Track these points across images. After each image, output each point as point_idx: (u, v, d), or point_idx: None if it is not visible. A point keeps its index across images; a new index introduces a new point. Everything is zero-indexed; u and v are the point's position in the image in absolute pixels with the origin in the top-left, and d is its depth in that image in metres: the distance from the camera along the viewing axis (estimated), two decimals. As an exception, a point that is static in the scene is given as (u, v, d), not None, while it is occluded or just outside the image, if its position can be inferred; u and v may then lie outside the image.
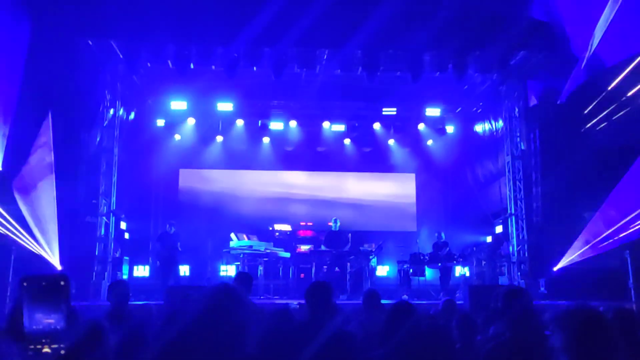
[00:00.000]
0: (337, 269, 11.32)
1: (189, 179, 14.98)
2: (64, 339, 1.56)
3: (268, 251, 11.54)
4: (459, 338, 3.85)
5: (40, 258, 8.68)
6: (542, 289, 10.86)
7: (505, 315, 2.99)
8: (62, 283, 1.63)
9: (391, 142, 15.03)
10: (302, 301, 7.62)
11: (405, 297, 10.48)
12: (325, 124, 14.55)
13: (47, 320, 1.56)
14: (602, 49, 8.78)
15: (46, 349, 1.54)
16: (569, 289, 9.72)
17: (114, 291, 5.10)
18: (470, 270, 12.18)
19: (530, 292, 4.45)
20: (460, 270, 12.05)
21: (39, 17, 9.03)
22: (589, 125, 10.49)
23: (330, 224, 11.97)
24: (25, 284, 1.58)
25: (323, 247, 11.67)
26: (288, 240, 13.52)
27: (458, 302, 8.37)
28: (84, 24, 9.76)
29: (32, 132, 9.37)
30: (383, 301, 5.21)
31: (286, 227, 14.60)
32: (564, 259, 10.64)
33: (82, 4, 9.53)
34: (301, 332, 3.21)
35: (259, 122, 14.38)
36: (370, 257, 11.73)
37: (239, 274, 5.48)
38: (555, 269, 10.83)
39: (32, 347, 1.53)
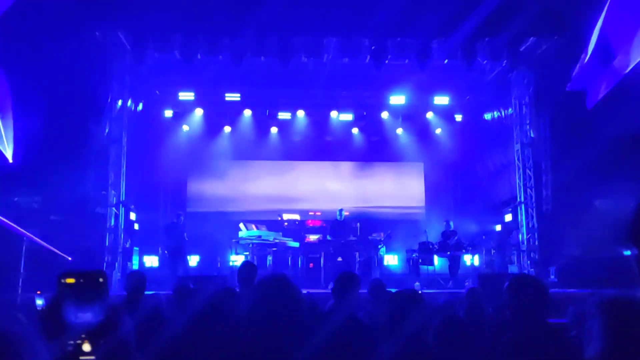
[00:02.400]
0: (339, 258, 11.33)
1: (197, 169, 15.00)
2: (103, 336, 1.56)
3: (277, 241, 11.58)
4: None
5: (50, 249, 8.75)
6: (553, 277, 10.81)
7: (511, 302, 2.96)
8: (100, 280, 1.63)
9: (399, 131, 14.94)
10: (311, 290, 7.63)
11: (417, 284, 10.49)
12: (333, 114, 14.50)
13: (85, 316, 1.56)
14: (610, 30, 8.65)
15: (85, 344, 1.54)
16: (579, 277, 9.67)
17: (130, 281, 5.14)
18: (479, 259, 12.15)
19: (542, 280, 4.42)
20: (469, 259, 12.03)
21: (46, 9, 9.04)
22: (599, 111, 10.37)
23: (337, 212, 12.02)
24: (63, 280, 1.58)
25: (329, 237, 11.70)
26: (297, 230, 13.54)
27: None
28: (91, 15, 9.77)
29: (41, 124, 9.42)
30: (392, 290, 5.20)
31: (295, 217, 14.61)
32: (574, 246, 10.58)
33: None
34: (323, 320, 3.23)
35: (267, 112, 14.37)
36: (379, 246, 11.73)
37: (242, 264, 5.49)
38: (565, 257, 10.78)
39: (71, 342, 1.53)
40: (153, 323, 3.22)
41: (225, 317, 2.18)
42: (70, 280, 1.59)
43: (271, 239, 11.49)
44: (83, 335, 1.56)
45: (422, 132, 14.92)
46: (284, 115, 14.47)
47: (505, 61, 11.32)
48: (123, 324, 2.55)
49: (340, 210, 11.96)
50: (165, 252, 12.11)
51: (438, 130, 14.94)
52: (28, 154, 8.96)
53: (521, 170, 11.94)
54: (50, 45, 9.12)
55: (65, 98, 9.59)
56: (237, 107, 14.09)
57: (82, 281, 1.60)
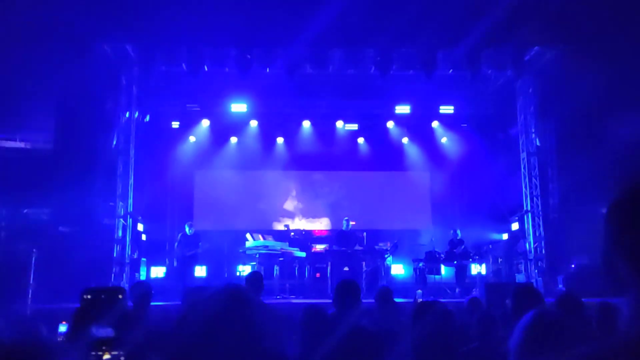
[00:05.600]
0: (346, 268, 11.32)
1: (204, 180, 15.08)
2: (122, 346, 1.62)
3: (283, 251, 11.59)
4: (478, 335, 3.85)
5: (60, 260, 8.81)
6: (560, 285, 10.77)
7: (516, 313, 3.00)
8: (119, 296, 1.71)
9: (405, 140, 14.99)
10: (318, 300, 7.64)
11: (419, 292, 10.48)
12: (339, 124, 14.55)
13: (106, 329, 1.62)
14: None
15: (106, 356, 1.60)
16: (587, 286, 9.62)
17: (135, 292, 5.13)
18: (486, 267, 12.12)
19: (548, 290, 4.44)
20: (476, 268, 12.00)
21: (55, 21, 9.16)
22: (605, 119, 10.38)
23: (343, 222, 12.04)
24: (86, 296, 1.66)
25: (334, 247, 11.69)
26: (303, 240, 13.54)
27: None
28: (99, 28, 9.90)
29: (51, 136, 9.53)
30: (398, 299, 5.22)
31: (301, 227, 14.64)
32: (581, 255, 10.55)
33: (98, 10, 9.66)
34: (330, 330, 3.25)
35: (273, 122, 14.45)
36: (386, 255, 11.72)
37: (249, 274, 5.64)
38: (573, 265, 10.74)
39: (93, 353, 1.59)
40: (163, 334, 3.24)
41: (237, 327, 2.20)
42: (91, 297, 1.67)
43: (278, 249, 11.51)
44: (104, 347, 1.61)
45: (427, 141, 14.94)
46: (289, 126, 14.54)
47: (510, 70, 11.37)
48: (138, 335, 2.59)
49: (347, 220, 11.97)
50: (175, 263, 12.10)
51: (444, 140, 14.96)
52: (38, 165, 9.05)
53: (527, 178, 11.94)
54: (59, 59, 9.24)
55: (74, 110, 9.71)
56: (244, 118, 14.18)
57: (103, 297, 1.68)
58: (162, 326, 3.98)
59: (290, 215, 15.04)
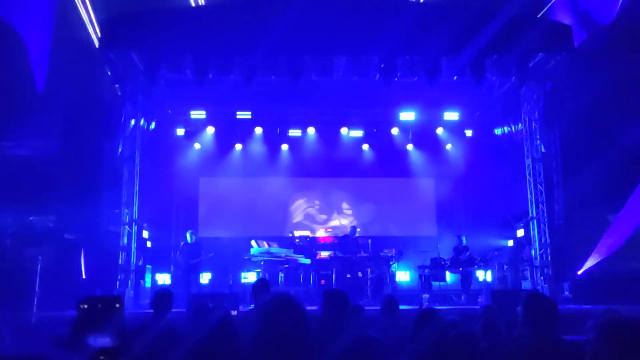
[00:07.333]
0: (348, 275, 11.29)
1: (209, 187, 15.10)
2: (118, 355, 1.63)
3: (288, 258, 11.59)
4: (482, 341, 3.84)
5: (66, 268, 8.84)
6: (567, 293, 10.71)
7: (526, 319, 3.00)
8: (117, 305, 1.71)
9: (410, 147, 14.98)
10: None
11: (425, 296, 10.45)
12: (343, 130, 14.58)
13: (103, 338, 1.63)
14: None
15: None
16: (593, 293, 9.58)
17: (157, 299, 5.05)
18: (492, 274, 12.07)
19: (554, 297, 4.42)
20: (481, 275, 11.95)
21: (61, 30, 9.25)
22: (610, 125, 10.35)
23: (348, 229, 12.02)
24: (82, 305, 1.66)
25: (338, 253, 11.67)
26: (308, 247, 13.53)
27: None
28: (105, 37, 9.97)
29: (56, 143, 9.58)
30: (403, 307, 5.21)
31: (306, 234, 14.63)
32: (588, 262, 10.50)
33: (104, 18, 9.75)
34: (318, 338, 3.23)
35: (278, 129, 14.48)
36: (391, 262, 11.70)
37: (256, 280, 5.63)
38: (579, 272, 10.69)
39: None
40: (167, 341, 3.25)
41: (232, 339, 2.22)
42: (88, 306, 1.67)
43: (282, 256, 11.51)
44: (102, 357, 1.61)
45: (432, 147, 14.93)
46: (294, 133, 14.57)
47: (514, 77, 11.35)
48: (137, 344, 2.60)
49: (354, 227, 11.97)
50: (179, 271, 12.10)
51: (448, 146, 14.95)
52: (43, 173, 9.10)
53: (532, 185, 11.89)
54: (65, 67, 9.31)
55: (80, 118, 9.77)
56: (248, 125, 14.22)
57: (100, 306, 1.68)
58: (169, 333, 4.00)
59: (296, 222, 15.04)
